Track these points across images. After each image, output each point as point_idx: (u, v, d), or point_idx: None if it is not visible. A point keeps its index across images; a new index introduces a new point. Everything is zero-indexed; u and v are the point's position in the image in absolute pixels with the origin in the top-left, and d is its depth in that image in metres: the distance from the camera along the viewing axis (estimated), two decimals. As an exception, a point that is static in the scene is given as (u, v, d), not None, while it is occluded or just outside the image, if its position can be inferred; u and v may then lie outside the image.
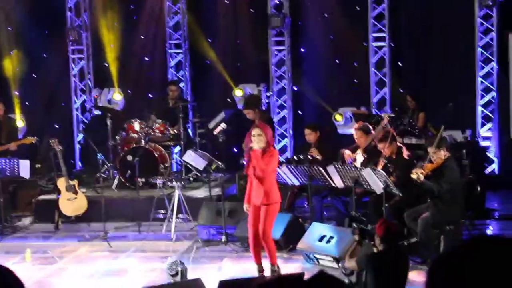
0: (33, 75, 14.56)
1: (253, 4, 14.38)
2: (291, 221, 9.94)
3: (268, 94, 14.46)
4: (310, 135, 11.15)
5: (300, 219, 10.31)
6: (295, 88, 14.48)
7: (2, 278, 2.70)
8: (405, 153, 10.06)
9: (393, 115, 12.32)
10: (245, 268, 9.10)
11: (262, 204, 8.33)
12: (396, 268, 6.63)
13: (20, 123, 13.69)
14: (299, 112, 14.54)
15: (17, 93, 14.30)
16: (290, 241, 9.71)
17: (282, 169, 9.95)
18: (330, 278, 2.79)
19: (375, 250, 6.83)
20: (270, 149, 8.42)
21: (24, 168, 11.45)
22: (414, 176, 8.74)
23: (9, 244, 10.93)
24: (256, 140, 8.36)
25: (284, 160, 12.56)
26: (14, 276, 2.73)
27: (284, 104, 14.47)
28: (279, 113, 14.51)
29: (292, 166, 10.13)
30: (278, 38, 14.28)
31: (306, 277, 2.81)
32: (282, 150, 14.10)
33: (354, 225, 8.14)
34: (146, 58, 14.69)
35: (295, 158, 11.29)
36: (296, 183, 10.25)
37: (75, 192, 11.56)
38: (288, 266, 9.14)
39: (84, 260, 10.01)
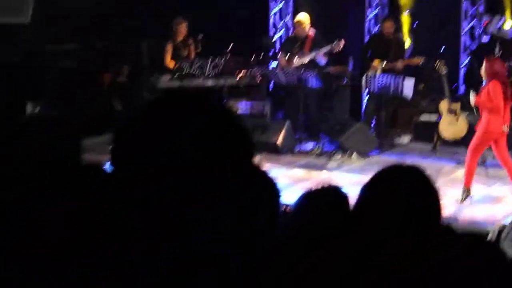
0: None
1: None
2: None
3: None
4: None
5: None
6: None
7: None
8: None
9: None
10: None
11: None
12: None
13: (407, 42, 13.73)
14: None
15: (407, 13, 14.31)
16: None
17: None
18: None
19: None
20: None
21: (408, 87, 11.52)
22: None
23: (386, 159, 11.14)
24: None
25: None
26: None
27: None
28: None
29: None
30: None
31: None
32: None
33: None
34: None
35: None
36: None
37: (457, 116, 11.41)
38: None
39: (460, 184, 9.87)
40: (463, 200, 9.01)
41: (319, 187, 3.61)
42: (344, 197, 3.54)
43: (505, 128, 8.92)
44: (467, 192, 9.07)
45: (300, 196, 3.59)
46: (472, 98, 9.07)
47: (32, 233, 1.50)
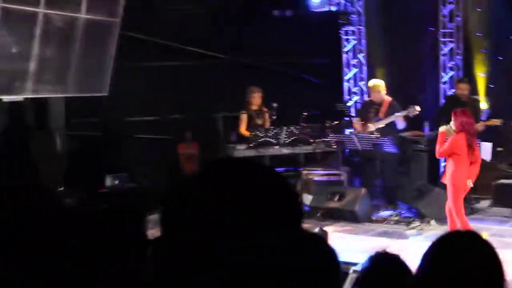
0: (499, 57, 14.32)
1: None
2: None
3: None
4: None
5: None
6: None
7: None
8: None
9: None
10: None
11: None
12: None
13: (484, 105, 13.57)
14: None
15: (482, 75, 14.19)
16: None
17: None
18: None
19: None
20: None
21: (486, 150, 11.37)
22: None
23: (466, 224, 10.94)
24: None
25: None
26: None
27: None
28: None
29: None
30: None
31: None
32: None
33: None
34: None
35: None
36: None
37: (538, 178, 11.18)
38: None
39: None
40: None
41: (378, 255, 3.64)
42: (402, 265, 3.55)
43: (470, 183, 9.14)
44: None
45: (362, 265, 3.64)
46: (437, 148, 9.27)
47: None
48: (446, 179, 9.25)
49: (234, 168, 1.55)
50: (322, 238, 3.15)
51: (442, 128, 9.35)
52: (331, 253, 3.00)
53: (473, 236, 2.61)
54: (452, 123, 9.18)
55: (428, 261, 2.56)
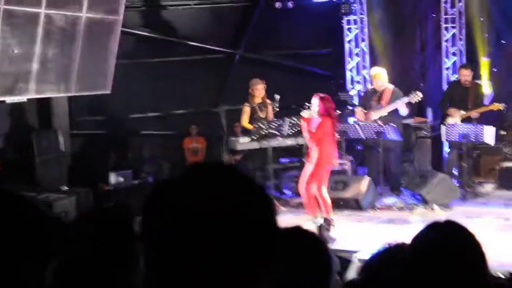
0: (502, 41, 14.26)
1: None
2: None
3: None
4: None
5: None
6: None
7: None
8: None
9: None
10: None
11: None
12: None
13: (487, 89, 13.52)
14: None
15: (485, 59, 14.14)
16: None
17: None
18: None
19: None
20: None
21: (489, 134, 11.33)
22: None
23: (470, 208, 10.93)
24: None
25: None
26: None
27: None
28: None
29: None
30: None
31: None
32: None
33: None
34: None
35: None
36: None
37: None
38: None
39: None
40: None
41: (393, 246, 3.63)
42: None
43: (336, 163, 10.17)
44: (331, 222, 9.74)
45: (371, 256, 3.61)
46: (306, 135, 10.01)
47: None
48: (313, 160, 9.81)
49: (215, 177, 1.53)
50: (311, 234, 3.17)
51: (305, 114, 10.04)
52: (321, 247, 3.03)
53: (453, 226, 2.62)
54: (314, 107, 9.86)
55: (412, 252, 2.58)
